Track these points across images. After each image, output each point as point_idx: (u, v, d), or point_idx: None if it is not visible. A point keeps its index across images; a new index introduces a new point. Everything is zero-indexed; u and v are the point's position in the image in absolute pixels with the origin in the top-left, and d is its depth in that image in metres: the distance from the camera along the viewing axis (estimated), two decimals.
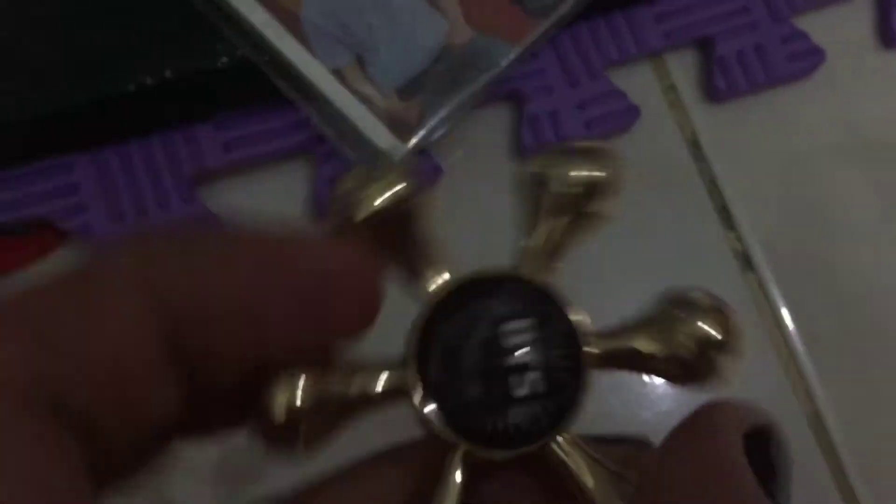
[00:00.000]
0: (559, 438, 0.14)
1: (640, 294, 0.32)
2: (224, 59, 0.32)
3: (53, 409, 0.10)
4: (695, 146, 0.35)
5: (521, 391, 0.14)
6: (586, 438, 0.15)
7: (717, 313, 0.15)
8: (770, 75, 0.35)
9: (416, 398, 0.14)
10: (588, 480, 0.14)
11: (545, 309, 0.15)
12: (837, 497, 0.30)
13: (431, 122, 0.32)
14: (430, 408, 0.14)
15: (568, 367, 0.15)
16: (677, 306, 0.15)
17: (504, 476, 0.15)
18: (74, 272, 0.12)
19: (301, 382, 0.13)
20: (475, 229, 0.33)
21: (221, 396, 0.13)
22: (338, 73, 0.32)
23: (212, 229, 0.14)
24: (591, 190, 0.15)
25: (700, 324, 0.15)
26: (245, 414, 0.13)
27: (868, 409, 0.32)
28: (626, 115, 0.34)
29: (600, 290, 0.32)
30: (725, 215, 0.34)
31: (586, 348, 0.15)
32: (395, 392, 0.14)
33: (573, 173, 0.15)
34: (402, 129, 0.32)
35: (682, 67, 0.35)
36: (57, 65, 0.31)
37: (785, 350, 0.32)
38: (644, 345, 0.15)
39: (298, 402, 0.13)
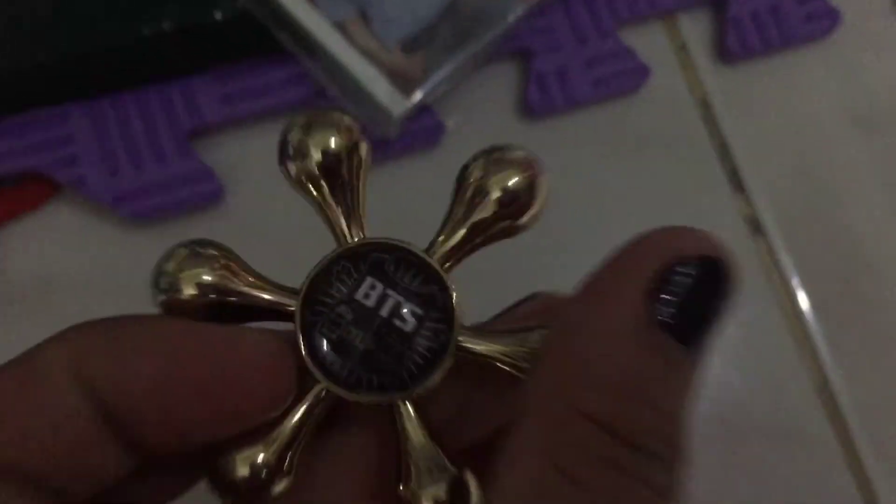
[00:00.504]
0: (461, 340, 0.15)
1: None
2: (223, 12, 0.31)
3: (10, 474, 0.13)
4: (705, 108, 0.34)
5: (409, 324, 0.15)
6: (489, 324, 0.17)
7: (523, 164, 0.16)
8: (784, 36, 0.34)
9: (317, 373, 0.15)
10: (498, 351, 0.15)
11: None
12: (843, 463, 0.30)
13: (436, 78, 0.31)
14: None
15: (428, 280, 0.16)
16: (490, 158, 0.16)
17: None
18: (15, 365, 0.14)
19: None
20: None
21: (172, 461, 0.15)
22: (340, 26, 0.31)
23: (136, 320, 0.15)
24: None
25: (504, 173, 0.16)
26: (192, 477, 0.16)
27: (876, 376, 0.31)
28: (636, 74, 0.33)
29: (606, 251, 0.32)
30: (735, 179, 0.33)
31: (429, 259, 0.16)
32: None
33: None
34: (405, 83, 0.31)
35: (695, 27, 0.34)
36: (54, 15, 0.30)
37: (793, 315, 0.32)
38: (471, 218, 0.16)
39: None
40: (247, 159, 0.32)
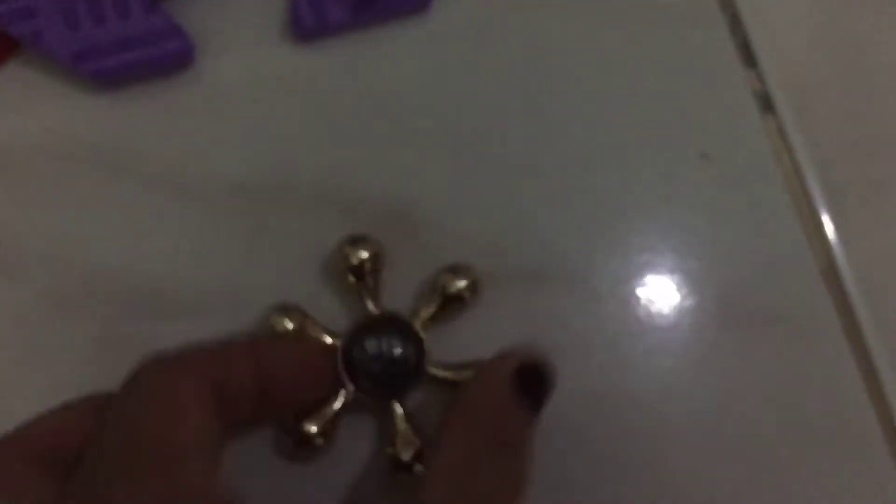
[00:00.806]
0: (430, 371, 0.27)
1: (651, 132, 0.30)
2: None
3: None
4: None
5: (400, 362, 0.26)
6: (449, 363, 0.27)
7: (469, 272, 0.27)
8: None
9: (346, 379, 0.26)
10: (449, 377, 0.27)
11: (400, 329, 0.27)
12: (849, 353, 0.28)
13: None
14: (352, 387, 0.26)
15: (408, 343, 0.26)
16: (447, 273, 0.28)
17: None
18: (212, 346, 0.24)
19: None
20: (463, 62, 0.30)
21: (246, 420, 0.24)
22: None
23: (283, 340, 0.27)
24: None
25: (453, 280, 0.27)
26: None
27: (886, 264, 0.29)
28: None
29: (615, 128, 0.30)
30: (746, 53, 0.31)
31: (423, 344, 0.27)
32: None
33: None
34: None
35: None
36: None
37: (802, 199, 0.30)
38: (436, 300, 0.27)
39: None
40: (221, 21, 0.29)
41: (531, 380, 0.24)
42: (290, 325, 0.26)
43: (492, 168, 0.30)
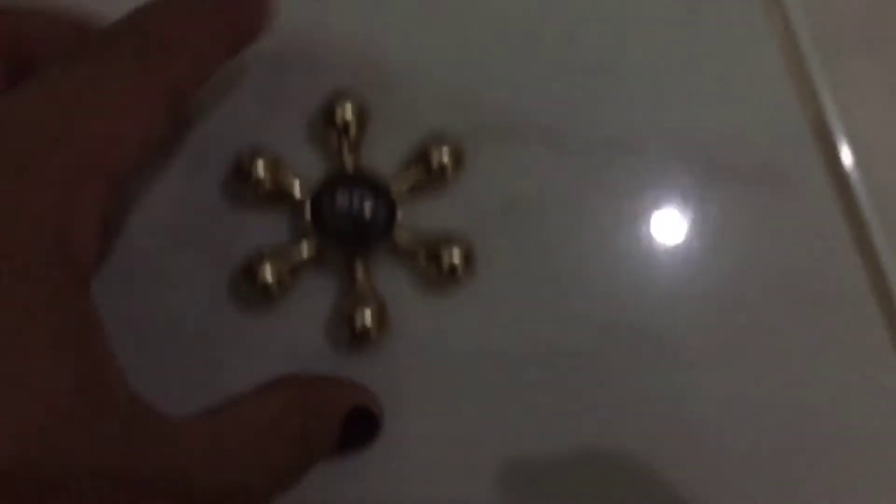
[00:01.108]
0: (397, 235, 0.26)
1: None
2: None
3: None
4: None
5: (367, 217, 0.25)
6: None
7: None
8: None
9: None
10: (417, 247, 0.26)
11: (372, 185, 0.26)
12: (838, 210, 0.27)
13: None
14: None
15: (380, 204, 0.25)
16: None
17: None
18: None
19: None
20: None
21: None
22: None
23: None
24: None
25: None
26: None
27: (877, 122, 0.28)
28: None
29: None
30: None
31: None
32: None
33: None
34: None
35: None
36: None
37: (793, 53, 0.28)
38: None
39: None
40: None
41: (358, 425, 0.24)
42: (260, 168, 0.25)
43: (467, 19, 0.28)
